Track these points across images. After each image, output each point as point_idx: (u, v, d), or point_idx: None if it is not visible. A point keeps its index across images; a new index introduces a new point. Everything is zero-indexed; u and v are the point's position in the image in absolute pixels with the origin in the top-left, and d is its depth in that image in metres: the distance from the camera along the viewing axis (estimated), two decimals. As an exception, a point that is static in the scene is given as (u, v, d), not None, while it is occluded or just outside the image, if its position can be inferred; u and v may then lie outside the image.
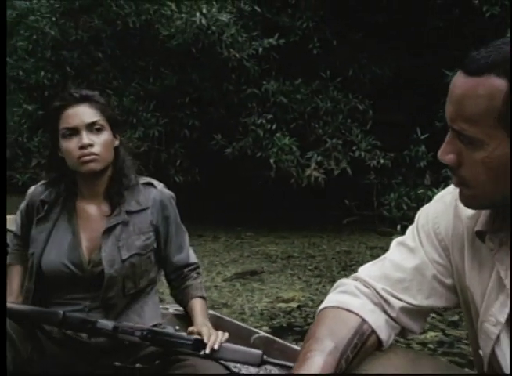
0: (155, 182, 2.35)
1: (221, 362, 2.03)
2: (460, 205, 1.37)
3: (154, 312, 2.27)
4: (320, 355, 1.32)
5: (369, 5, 8.44)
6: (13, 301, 2.22)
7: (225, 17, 7.53)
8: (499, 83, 1.16)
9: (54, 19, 8.98)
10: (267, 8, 8.58)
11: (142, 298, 2.27)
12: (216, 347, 1.99)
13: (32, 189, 2.34)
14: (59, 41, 9.01)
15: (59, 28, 8.98)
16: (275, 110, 8.20)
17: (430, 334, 4.08)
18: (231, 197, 8.77)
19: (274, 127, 8.08)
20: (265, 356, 2.02)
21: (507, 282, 1.30)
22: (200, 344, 2.02)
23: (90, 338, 2.14)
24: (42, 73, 9.17)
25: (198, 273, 2.42)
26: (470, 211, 1.37)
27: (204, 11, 7.46)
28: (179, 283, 2.39)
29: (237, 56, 7.74)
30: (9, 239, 2.41)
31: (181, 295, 2.39)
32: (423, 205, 1.55)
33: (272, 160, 7.82)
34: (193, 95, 8.52)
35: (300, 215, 8.71)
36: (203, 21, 7.39)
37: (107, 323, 2.10)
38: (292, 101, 8.16)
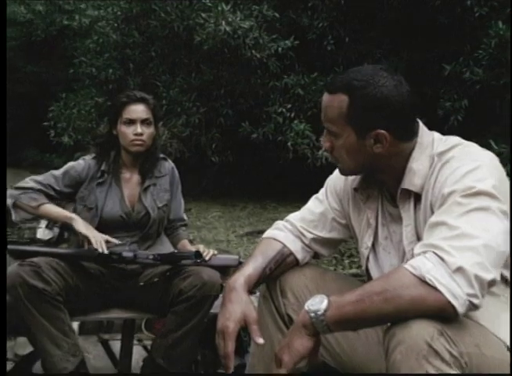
0: (167, 158, 2.88)
1: (212, 266, 2.46)
2: None
3: (168, 245, 2.80)
4: (251, 264, 1.72)
5: (381, 5, 8.86)
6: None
7: (247, 24, 8.18)
8: (344, 98, 1.53)
9: (116, 24, 9.98)
10: (292, 10, 9.22)
11: (161, 236, 2.80)
12: (207, 258, 2.46)
13: (82, 162, 2.70)
14: (120, 43, 10.00)
15: (120, 32, 10.00)
16: (294, 101, 8.76)
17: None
18: (257, 173, 9.45)
19: (292, 115, 8.65)
20: (241, 259, 2.48)
21: (372, 221, 1.68)
22: (199, 254, 2.49)
23: (119, 269, 2.55)
24: (110, 70, 10.14)
25: (186, 226, 2.91)
26: (350, 177, 1.75)
27: (230, 19, 8.14)
28: (172, 231, 2.86)
29: (258, 56, 8.41)
30: (38, 186, 2.60)
31: (171, 239, 2.84)
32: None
33: (289, 144, 8.41)
34: (227, 88, 9.27)
35: (314, 189, 9.32)
36: (228, 29, 8.08)
37: (129, 253, 2.50)
38: (308, 92, 8.70)
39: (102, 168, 2.67)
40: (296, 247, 1.82)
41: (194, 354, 2.62)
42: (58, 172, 2.67)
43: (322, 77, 8.83)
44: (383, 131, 1.50)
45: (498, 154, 6.48)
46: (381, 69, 1.57)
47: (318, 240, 1.84)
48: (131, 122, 2.64)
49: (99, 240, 2.42)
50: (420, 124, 1.61)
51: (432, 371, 1.16)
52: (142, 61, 10.00)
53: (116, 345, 2.98)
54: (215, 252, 2.55)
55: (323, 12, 8.99)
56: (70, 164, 2.73)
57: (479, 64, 7.77)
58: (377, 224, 1.67)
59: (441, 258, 1.25)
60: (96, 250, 2.39)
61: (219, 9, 8.22)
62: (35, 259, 2.31)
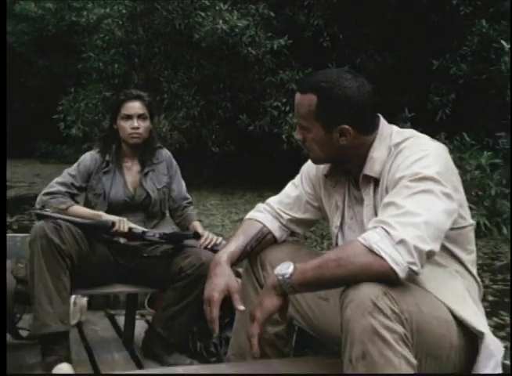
0: (163, 146, 3.02)
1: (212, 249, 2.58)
2: None
3: (171, 225, 2.97)
4: (234, 243, 1.84)
5: (374, 3, 9.05)
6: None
7: (243, 23, 8.40)
8: (313, 97, 1.63)
9: (121, 22, 10.17)
10: (289, 8, 9.40)
11: (164, 218, 2.93)
12: (203, 246, 2.59)
13: (89, 156, 2.85)
14: (125, 39, 10.17)
15: (125, 29, 10.18)
16: (289, 95, 8.94)
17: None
18: (255, 164, 9.63)
19: (287, 109, 8.84)
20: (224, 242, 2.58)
21: (340, 204, 1.81)
22: (197, 235, 2.66)
23: (128, 241, 2.70)
24: (116, 65, 10.34)
25: (191, 204, 3.03)
26: (321, 165, 1.85)
27: (227, 18, 8.35)
28: (180, 212, 2.98)
29: (254, 53, 8.62)
30: (64, 188, 2.74)
31: (183, 221, 2.97)
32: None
33: (284, 136, 8.62)
34: (226, 83, 9.48)
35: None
36: (225, 27, 8.30)
37: (139, 230, 2.66)
38: (302, 87, 8.91)
39: (107, 158, 2.84)
40: (274, 227, 1.94)
41: (191, 326, 2.75)
42: (73, 171, 2.83)
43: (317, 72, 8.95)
44: (346, 126, 1.64)
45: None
46: (346, 71, 1.69)
47: (293, 221, 1.96)
48: (128, 117, 2.80)
49: (122, 220, 2.62)
50: (381, 118, 1.75)
51: (376, 324, 1.33)
52: (147, 57, 10.20)
53: (121, 319, 3.11)
54: (219, 240, 2.68)
55: (319, 10, 9.16)
56: (79, 160, 2.88)
57: (464, 60, 7.94)
58: (344, 206, 1.81)
59: (387, 232, 1.41)
60: (110, 221, 2.59)
61: (217, 8, 8.42)
62: (58, 220, 2.47)
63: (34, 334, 2.40)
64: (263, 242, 1.90)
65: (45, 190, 2.77)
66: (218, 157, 9.85)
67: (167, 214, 3.01)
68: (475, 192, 6.57)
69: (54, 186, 2.78)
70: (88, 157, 2.85)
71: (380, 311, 1.33)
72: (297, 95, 1.71)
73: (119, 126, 2.82)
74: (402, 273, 1.38)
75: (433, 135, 5.95)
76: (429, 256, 1.42)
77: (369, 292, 1.35)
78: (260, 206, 2.00)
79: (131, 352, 2.82)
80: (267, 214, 1.96)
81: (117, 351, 2.83)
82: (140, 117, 2.81)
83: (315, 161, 1.81)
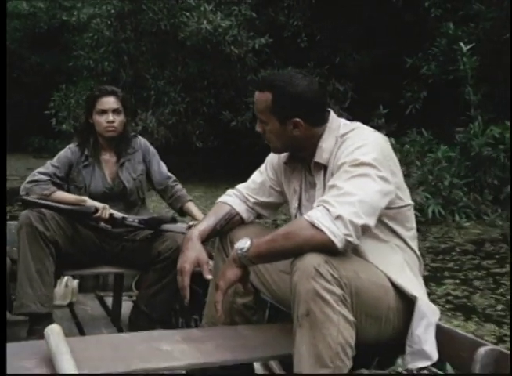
0: (138, 135, 3.12)
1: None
2: None
3: (149, 212, 3.14)
4: (205, 222, 2.04)
5: (351, 5, 9.17)
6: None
7: (226, 23, 8.54)
8: (269, 95, 1.82)
9: (109, 22, 10.26)
10: (271, 8, 9.51)
11: (144, 206, 3.06)
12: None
13: (69, 151, 2.94)
14: (113, 39, 10.26)
15: (114, 29, 10.27)
16: None
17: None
18: (237, 157, 9.77)
19: None
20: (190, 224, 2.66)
21: (297, 188, 1.98)
22: (175, 219, 2.81)
23: (110, 227, 2.82)
24: (106, 63, 10.41)
25: (178, 182, 3.11)
26: (282, 154, 2.02)
27: (211, 19, 8.50)
28: (169, 192, 3.07)
29: (237, 51, 8.77)
30: (46, 177, 2.84)
31: (175, 202, 3.07)
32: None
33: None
34: (210, 81, 9.62)
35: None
36: (209, 27, 8.45)
37: (119, 215, 2.78)
38: (282, 85, 9.07)
39: (86, 153, 2.93)
40: (241, 209, 2.12)
41: (172, 303, 2.89)
42: (55, 162, 2.92)
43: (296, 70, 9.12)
44: (298, 119, 1.84)
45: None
46: (298, 72, 1.89)
47: (259, 204, 2.14)
48: (103, 112, 2.87)
49: (104, 207, 2.75)
50: (331, 112, 1.95)
51: (317, 287, 1.52)
52: (135, 55, 10.29)
53: (109, 300, 3.26)
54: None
55: (298, 11, 9.29)
56: (60, 153, 2.98)
57: (434, 60, 8.14)
58: (301, 190, 2.00)
59: (327, 210, 1.60)
60: (93, 207, 2.72)
61: (201, 9, 8.55)
62: (42, 209, 2.60)
63: (16, 313, 2.52)
64: (231, 222, 2.08)
65: (28, 179, 2.86)
66: (202, 152, 10.01)
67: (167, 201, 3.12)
68: (434, 183, 6.80)
69: (36, 174, 2.87)
70: (68, 150, 2.95)
71: (321, 276, 1.53)
72: (256, 93, 1.89)
73: (95, 120, 2.89)
74: (339, 244, 1.57)
75: (405, 130, 6.19)
76: (364, 229, 1.62)
77: (312, 260, 1.55)
78: (230, 191, 2.18)
79: (119, 328, 2.98)
80: (235, 198, 2.14)
81: (105, 327, 3.00)
82: (115, 111, 2.89)
83: (275, 151, 2.00)
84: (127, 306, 3.09)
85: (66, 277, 3.02)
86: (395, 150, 7.58)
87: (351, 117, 8.76)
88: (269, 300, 2.15)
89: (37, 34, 14.68)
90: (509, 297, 4.00)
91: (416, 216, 6.49)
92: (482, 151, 6.96)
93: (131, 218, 2.82)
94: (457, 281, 4.41)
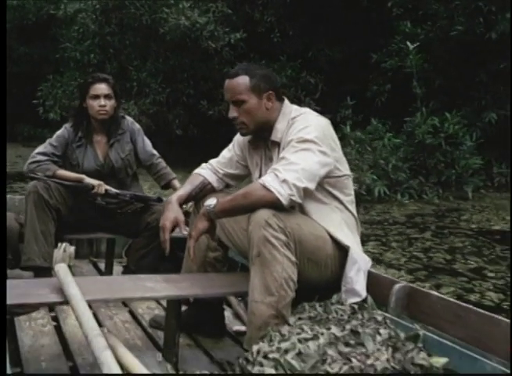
0: (125, 116, 3.28)
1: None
2: None
3: (141, 189, 3.31)
4: (182, 189, 2.36)
5: (322, 3, 9.56)
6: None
7: (203, 19, 8.85)
8: (245, 77, 2.11)
9: (94, 16, 10.48)
10: (248, 5, 9.83)
11: (135, 181, 3.25)
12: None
13: (65, 130, 3.12)
14: (98, 32, 10.48)
15: (99, 23, 10.49)
16: None
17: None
18: (214, 144, 10.05)
19: None
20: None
21: (258, 162, 2.27)
22: (160, 199, 3.09)
23: (105, 201, 3.05)
24: (92, 55, 10.64)
25: (161, 159, 3.30)
26: None
27: (189, 15, 8.79)
28: (154, 169, 3.28)
29: (213, 46, 9.08)
30: (44, 157, 3.03)
31: (159, 179, 3.29)
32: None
33: None
34: (189, 73, 9.91)
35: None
36: (187, 23, 8.74)
37: (113, 191, 3.01)
38: (256, 77, 9.38)
39: (79, 134, 3.11)
40: (213, 179, 2.43)
41: (157, 265, 3.09)
42: (54, 141, 3.10)
43: (271, 64, 9.50)
44: (271, 91, 2.18)
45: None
46: (259, 65, 2.28)
47: (227, 175, 2.45)
48: (96, 97, 3.05)
49: (100, 184, 3.01)
50: (285, 100, 2.30)
51: (267, 234, 1.86)
52: (119, 48, 10.53)
53: (102, 265, 3.51)
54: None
55: (272, 8, 9.62)
56: (57, 132, 3.16)
57: (393, 55, 8.54)
58: (261, 164, 2.32)
59: (276, 175, 1.95)
60: (90, 184, 2.97)
61: (180, 6, 8.81)
62: (48, 180, 2.89)
63: (23, 266, 2.80)
64: (204, 190, 2.41)
65: (30, 160, 3.06)
66: (182, 139, 10.30)
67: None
68: (382, 167, 7.31)
69: (36, 156, 3.06)
70: (65, 130, 3.15)
71: (270, 226, 1.89)
72: (229, 81, 2.17)
73: (88, 105, 3.07)
74: (284, 201, 1.94)
75: (369, 119, 6.65)
76: (305, 191, 1.98)
77: (263, 214, 1.91)
78: (203, 165, 2.51)
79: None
80: (208, 170, 2.47)
81: (98, 286, 3.34)
82: (106, 96, 3.06)
83: (245, 133, 2.26)
84: (117, 270, 3.36)
85: (64, 243, 3.26)
86: (352, 137, 8.08)
87: (320, 109, 9.27)
88: (236, 253, 2.48)
89: (26, 26, 14.73)
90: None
91: (363, 195, 7.10)
92: (425, 139, 7.51)
93: (124, 194, 3.06)
94: (378, 243, 4.94)
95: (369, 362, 1.47)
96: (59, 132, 3.16)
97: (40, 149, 3.10)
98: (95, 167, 3.10)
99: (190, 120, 10.09)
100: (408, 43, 8.07)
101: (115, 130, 3.17)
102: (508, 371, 1.54)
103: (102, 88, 3.06)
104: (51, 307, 2.68)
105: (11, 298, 1.74)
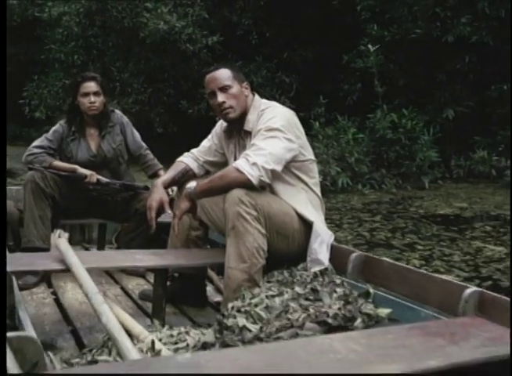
0: (115, 109, 3.43)
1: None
2: (221, 122, 2.58)
3: (133, 178, 3.45)
4: (167, 175, 2.59)
5: (297, 7, 9.79)
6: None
7: (181, 23, 9.04)
8: (227, 69, 2.37)
9: (78, 19, 10.60)
10: (226, 9, 10.04)
11: (127, 171, 3.39)
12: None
13: (60, 126, 3.28)
14: (81, 35, 10.61)
15: (82, 26, 10.62)
16: None
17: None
18: (193, 142, 10.26)
19: None
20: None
21: (233, 150, 2.49)
22: (147, 187, 3.21)
23: (96, 188, 3.20)
24: (76, 56, 10.71)
25: (149, 152, 3.46)
26: (224, 124, 2.52)
27: (167, 19, 8.97)
28: (142, 160, 3.45)
29: (192, 48, 9.28)
30: (40, 150, 3.20)
31: (147, 169, 3.46)
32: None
33: (217, 118, 9.28)
34: (170, 73, 10.07)
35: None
36: (165, 27, 8.93)
37: (104, 180, 3.18)
38: (234, 77, 9.60)
39: (73, 129, 3.27)
40: (194, 166, 2.66)
41: (144, 247, 3.06)
42: (50, 136, 3.26)
43: (247, 64, 9.74)
44: (247, 82, 2.46)
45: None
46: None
47: (207, 162, 2.68)
48: (86, 94, 3.20)
49: (92, 174, 3.18)
50: (256, 94, 2.54)
51: (240, 210, 2.10)
52: (102, 50, 10.66)
53: (94, 250, 3.64)
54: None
55: (249, 12, 9.85)
56: (53, 128, 3.30)
57: (361, 56, 8.82)
58: (236, 151, 2.55)
59: (247, 159, 2.19)
60: (83, 174, 3.17)
61: (159, 11, 8.99)
62: (44, 171, 3.06)
63: (23, 248, 2.96)
64: (186, 175, 2.65)
65: (27, 153, 3.23)
66: (163, 137, 10.47)
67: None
68: (346, 160, 7.68)
69: (32, 149, 3.23)
70: (60, 126, 3.30)
71: (242, 203, 2.13)
72: (213, 73, 2.42)
73: (79, 102, 3.22)
74: (255, 181, 2.18)
75: (340, 116, 6.96)
76: (273, 173, 2.22)
77: (237, 193, 2.15)
78: (186, 153, 2.75)
79: (102, 267, 3.53)
80: (189, 158, 2.71)
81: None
82: (95, 93, 3.21)
83: (231, 117, 2.44)
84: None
85: (58, 230, 3.46)
86: (320, 133, 8.37)
87: (294, 107, 9.48)
88: (216, 232, 2.69)
89: (11, 27, 14.69)
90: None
91: (328, 186, 7.43)
92: (386, 134, 7.88)
93: (114, 183, 3.24)
94: (333, 225, 5.19)
95: (323, 310, 1.72)
96: (54, 128, 3.32)
97: (36, 142, 3.27)
98: (88, 158, 3.27)
99: (170, 118, 10.26)
100: (369, 45, 8.43)
101: (106, 123, 3.33)
102: (439, 316, 1.81)
103: (91, 86, 3.21)
104: (49, 283, 2.90)
105: (18, 266, 1.96)
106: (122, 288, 2.95)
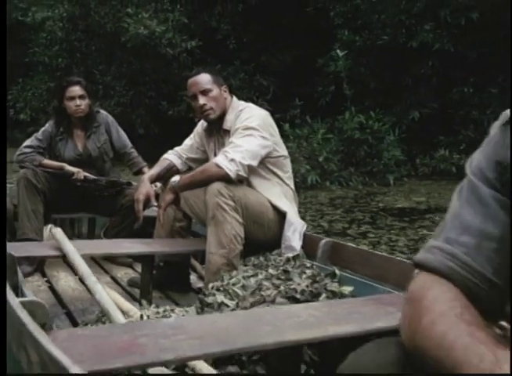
0: (100, 110, 3.56)
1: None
2: (202, 122, 2.72)
3: (119, 174, 3.62)
4: (153, 170, 2.74)
5: (274, 13, 9.99)
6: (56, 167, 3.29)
7: (161, 28, 9.16)
8: (207, 74, 2.54)
9: (61, 24, 10.67)
10: (206, 14, 10.18)
11: (113, 168, 3.52)
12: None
13: (49, 126, 3.41)
14: (65, 39, 10.67)
15: (65, 30, 10.68)
16: None
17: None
18: (174, 142, 10.38)
19: None
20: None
21: (213, 147, 2.65)
22: (130, 183, 3.37)
23: (84, 185, 3.31)
24: (60, 59, 10.80)
25: (134, 150, 3.59)
26: (205, 123, 2.67)
27: (148, 24, 9.09)
28: (127, 157, 3.55)
29: (171, 52, 9.41)
30: (30, 150, 3.33)
31: (132, 166, 3.56)
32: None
33: (196, 120, 9.38)
34: (151, 77, 10.21)
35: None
36: (146, 32, 9.05)
37: (91, 177, 3.30)
38: (213, 80, 9.74)
39: (61, 129, 3.40)
40: (177, 162, 2.82)
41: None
42: (39, 135, 3.39)
43: (226, 68, 9.89)
44: (225, 85, 2.62)
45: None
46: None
47: (189, 159, 2.84)
48: (72, 98, 3.30)
49: (79, 171, 3.32)
50: (234, 96, 2.70)
51: (219, 201, 2.26)
52: (85, 53, 10.75)
53: None
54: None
55: (227, 17, 10.00)
56: (43, 128, 3.42)
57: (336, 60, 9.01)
58: (215, 148, 2.72)
59: (226, 155, 2.36)
60: (70, 171, 3.30)
61: (139, 16, 9.10)
62: (36, 168, 3.18)
63: (18, 239, 3.05)
64: (171, 171, 2.81)
65: (18, 152, 3.36)
66: (145, 138, 10.54)
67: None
68: (315, 159, 7.92)
69: (22, 149, 3.36)
70: (49, 126, 3.43)
71: (221, 195, 2.30)
72: (195, 77, 2.58)
73: (66, 105, 3.33)
74: (233, 175, 2.35)
75: (314, 117, 7.22)
76: (249, 167, 2.40)
77: (216, 186, 2.31)
78: (170, 151, 2.91)
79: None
80: (173, 155, 2.87)
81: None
82: (80, 97, 3.31)
83: (212, 118, 2.61)
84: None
85: (49, 225, 3.56)
86: (291, 134, 8.55)
87: (271, 109, 9.61)
88: (199, 223, 2.84)
89: (-5, 30, 14.60)
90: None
91: (298, 183, 7.62)
92: (354, 134, 8.13)
93: (100, 179, 3.37)
94: None
95: (292, 287, 1.90)
96: (43, 128, 3.46)
97: (27, 142, 3.41)
98: (74, 156, 3.40)
99: (151, 119, 10.37)
100: (338, 51, 8.69)
101: (91, 124, 3.43)
102: (394, 291, 2.00)
103: (76, 90, 3.32)
104: (43, 272, 3.04)
105: (19, 252, 2.10)
106: (112, 277, 3.08)
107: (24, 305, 1.22)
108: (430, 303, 0.75)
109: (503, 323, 0.78)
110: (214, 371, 1.51)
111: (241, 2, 9.93)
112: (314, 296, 1.91)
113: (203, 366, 1.53)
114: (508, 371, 0.63)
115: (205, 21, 10.14)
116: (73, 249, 2.13)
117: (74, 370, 0.87)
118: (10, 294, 1.30)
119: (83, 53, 10.73)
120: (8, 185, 3.82)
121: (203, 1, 10.19)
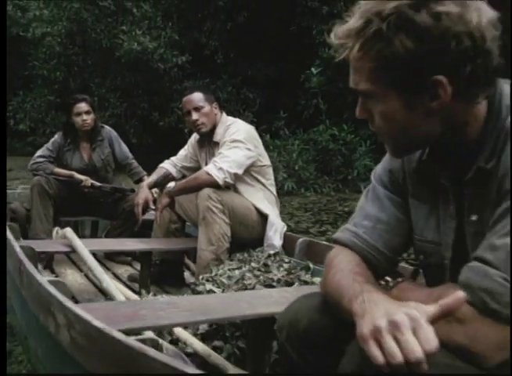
0: (104, 125, 3.77)
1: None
2: (195, 135, 2.96)
3: (120, 183, 3.85)
4: (151, 178, 3.01)
5: (258, 30, 10.20)
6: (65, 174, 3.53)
7: (153, 45, 9.42)
8: (199, 93, 2.90)
9: (59, 39, 10.85)
10: (196, 31, 10.41)
11: (115, 176, 3.75)
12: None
13: (58, 138, 3.62)
14: (63, 53, 10.86)
15: (64, 46, 10.88)
16: None
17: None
18: (165, 152, 10.51)
19: None
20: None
21: (204, 157, 2.95)
22: (133, 190, 3.55)
23: (90, 191, 3.54)
24: (58, 73, 10.93)
25: (134, 161, 3.77)
26: (197, 136, 2.98)
27: (141, 41, 9.35)
28: (128, 168, 3.74)
29: (163, 67, 9.66)
30: (43, 159, 3.56)
31: (133, 176, 3.76)
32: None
33: (186, 130, 9.26)
34: (144, 89, 10.40)
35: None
36: (139, 48, 9.31)
37: (97, 184, 3.51)
38: (202, 93, 9.95)
39: (68, 141, 3.64)
40: (173, 171, 3.07)
41: None
42: (50, 146, 3.63)
43: (214, 81, 10.15)
44: (215, 103, 2.85)
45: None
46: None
47: (184, 167, 3.07)
48: (79, 114, 3.54)
49: (87, 179, 3.55)
50: (223, 112, 2.95)
51: (209, 204, 2.51)
52: (82, 67, 10.93)
53: None
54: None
55: (216, 34, 10.24)
56: (52, 139, 3.66)
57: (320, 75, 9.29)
58: (207, 158, 2.95)
59: (215, 165, 2.63)
60: (79, 179, 3.53)
61: (133, 33, 9.36)
62: (47, 176, 3.43)
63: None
64: (167, 179, 3.05)
65: (32, 161, 3.60)
66: (138, 148, 10.70)
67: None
68: (292, 167, 8.26)
69: (36, 158, 3.60)
70: (57, 138, 3.67)
71: (211, 199, 2.55)
72: (189, 96, 2.84)
73: (74, 120, 3.57)
74: (221, 182, 2.61)
75: (298, 129, 7.54)
76: (235, 175, 2.66)
77: (207, 191, 2.57)
78: (166, 161, 3.15)
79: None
80: (169, 164, 3.12)
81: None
82: (87, 112, 3.55)
83: (203, 131, 2.86)
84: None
85: (56, 227, 3.76)
86: (271, 144, 8.80)
87: (257, 120, 9.82)
88: (192, 225, 3.07)
89: (-4, 42, 14.65)
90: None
91: (276, 189, 7.65)
92: (328, 145, 8.55)
93: (105, 186, 3.60)
94: None
95: (269, 277, 2.16)
96: (53, 139, 3.70)
97: (40, 152, 3.65)
98: (80, 166, 3.65)
99: (144, 129, 10.56)
100: (312, 68, 9.10)
101: (96, 137, 3.68)
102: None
103: (82, 106, 3.56)
104: (52, 269, 3.26)
105: (36, 248, 2.33)
106: (113, 274, 3.29)
107: (51, 282, 1.48)
108: (336, 263, 1.09)
109: (387, 278, 1.10)
110: (200, 343, 1.77)
111: (229, 20, 10.17)
112: (288, 285, 2.18)
113: (194, 341, 1.79)
114: (369, 300, 0.88)
115: (195, 38, 10.38)
116: (81, 244, 2.38)
117: (97, 323, 1.12)
118: (38, 275, 1.56)
119: (80, 67, 10.90)
120: (19, 190, 4.04)
121: (193, 19, 10.45)
